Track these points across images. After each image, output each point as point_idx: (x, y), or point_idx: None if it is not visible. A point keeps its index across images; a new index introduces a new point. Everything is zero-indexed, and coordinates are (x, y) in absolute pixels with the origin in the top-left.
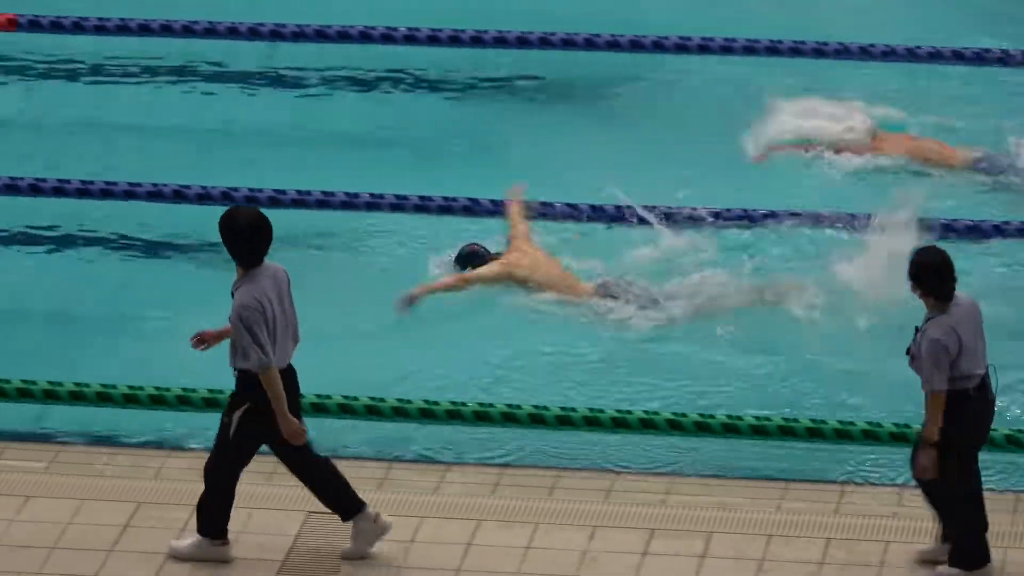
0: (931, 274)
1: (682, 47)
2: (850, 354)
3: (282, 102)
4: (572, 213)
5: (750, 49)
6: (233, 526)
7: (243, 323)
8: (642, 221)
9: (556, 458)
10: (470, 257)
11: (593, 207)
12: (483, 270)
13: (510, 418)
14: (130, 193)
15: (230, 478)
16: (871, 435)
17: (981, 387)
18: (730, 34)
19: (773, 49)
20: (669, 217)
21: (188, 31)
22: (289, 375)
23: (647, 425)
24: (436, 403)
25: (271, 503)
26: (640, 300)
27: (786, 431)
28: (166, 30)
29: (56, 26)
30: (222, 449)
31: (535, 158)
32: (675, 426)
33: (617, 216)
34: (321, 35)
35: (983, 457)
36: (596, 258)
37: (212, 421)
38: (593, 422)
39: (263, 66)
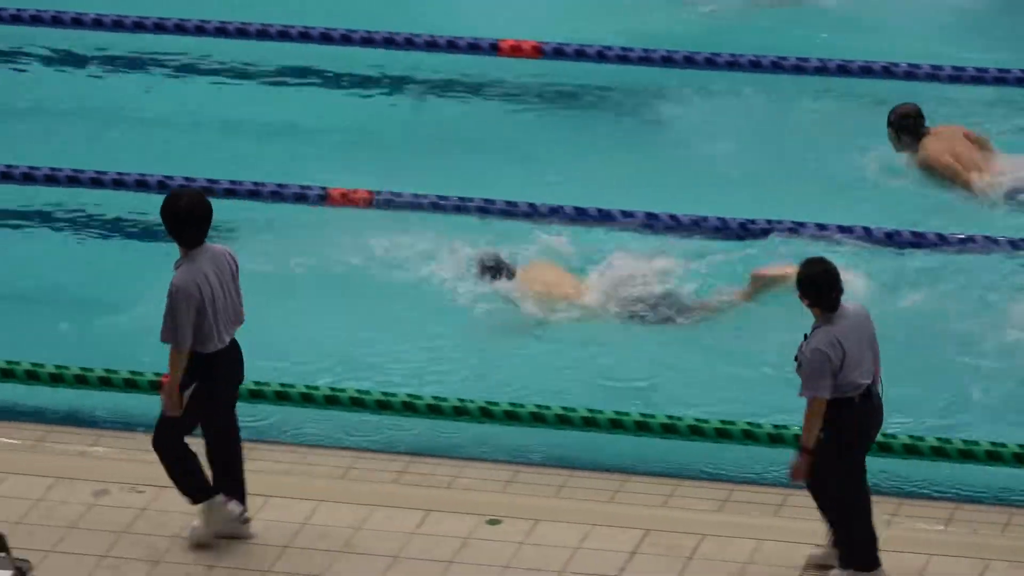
0: (814, 285)
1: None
2: None
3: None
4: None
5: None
6: (571, 542)
7: (171, 301)
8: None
9: None
10: (498, 269)
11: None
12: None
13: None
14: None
15: (179, 442)
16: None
17: (866, 395)
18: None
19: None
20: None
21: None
22: (231, 353)
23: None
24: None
25: (609, 520)
26: (643, 303)
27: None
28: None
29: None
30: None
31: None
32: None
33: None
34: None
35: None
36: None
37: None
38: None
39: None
